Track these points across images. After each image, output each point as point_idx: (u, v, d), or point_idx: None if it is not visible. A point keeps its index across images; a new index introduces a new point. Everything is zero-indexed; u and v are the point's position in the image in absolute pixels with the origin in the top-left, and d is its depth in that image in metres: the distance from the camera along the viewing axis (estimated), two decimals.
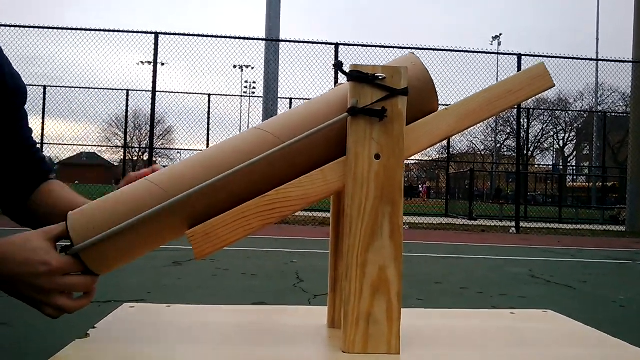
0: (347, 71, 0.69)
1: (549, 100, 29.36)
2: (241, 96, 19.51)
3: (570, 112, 31.25)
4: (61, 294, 0.68)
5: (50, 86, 13.73)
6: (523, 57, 10.11)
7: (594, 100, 28.00)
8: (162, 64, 11.02)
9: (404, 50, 10.32)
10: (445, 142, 16.93)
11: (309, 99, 0.81)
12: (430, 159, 25.97)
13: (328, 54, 10.50)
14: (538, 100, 28.40)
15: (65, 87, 13.53)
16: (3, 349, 2.16)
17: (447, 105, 0.74)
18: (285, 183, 0.70)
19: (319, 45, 10.64)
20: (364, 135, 0.68)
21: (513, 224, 10.69)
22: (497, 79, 14.66)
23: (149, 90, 10.43)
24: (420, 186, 27.02)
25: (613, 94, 29.19)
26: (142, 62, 14.61)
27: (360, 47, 10.64)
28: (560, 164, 34.16)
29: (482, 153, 33.65)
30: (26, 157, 0.96)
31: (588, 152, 33.00)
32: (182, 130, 17.96)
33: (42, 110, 13.58)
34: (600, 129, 20.12)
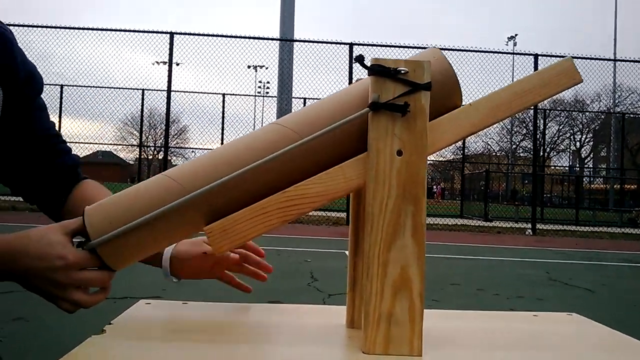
0: (369, 65, 0.67)
1: (565, 101, 29.02)
2: (255, 96, 19.59)
3: (587, 114, 30.86)
4: (77, 289, 0.67)
5: (67, 85, 13.91)
6: (540, 57, 10.00)
7: (611, 101, 27.62)
8: (177, 64, 11.10)
9: (419, 50, 10.27)
10: (460, 143, 16.81)
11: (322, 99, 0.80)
12: (445, 159, 25.85)
13: (342, 54, 10.48)
14: (554, 101, 28.07)
15: (82, 86, 13.70)
16: (19, 343, 2.18)
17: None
18: (304, 179, 0.68)
19: (333, 45, 10.62)
20: (386, 131, 0.66)
21: (529, 225, 10.59)
22: (512, 79, 14.52)
23: (164, 90, 10.52)
24: (434, 187, 26.86)
25: (632, 95, 28.74)
26: (157, 62, 14.72)
27: (374, 47, 10.59)
28: (577, 165, 33.75)
29: (498, 154, 33.37)
30: (46, 149, 0.94)
31: (605, 154, 32.56)
32: (197, 129, 18.10)
33: (59, 109, 13.76)
34: (618, 131, 19.83)
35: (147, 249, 0.69)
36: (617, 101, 27.81)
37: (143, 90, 14.63)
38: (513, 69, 14.24)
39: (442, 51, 0.76)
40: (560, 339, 0.77)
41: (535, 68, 9.86)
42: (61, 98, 13.69)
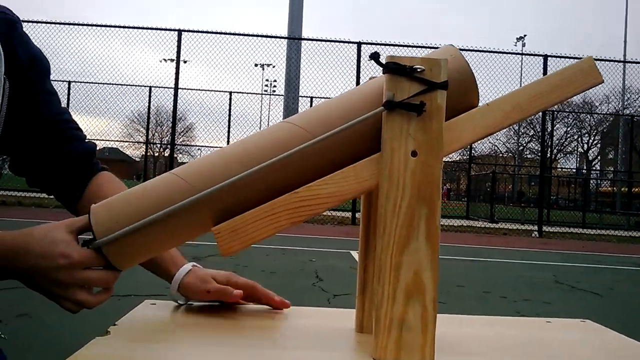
0: (384, 62, 0.65)
1: (573, 103, 28.84)
2: (262, 94, 19.59)
3: (595, 115, 30.66)
4: (81, 289, 0.65)
5: (75, 82, 13.95)
6: (549, 58, 9.93)
7: (620, 103, 27.41)
8: (184, 62, 11.10)
9: (428, 49, 10.23)
10: None
11: (329, 98, 0.78)
12: (451, 160, 25.73)
13: (350, 53, 10.45)
14: (563, 103, 27.88)
15: (89, 82, 13.74)
16: (22, 340, 2.17)
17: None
18: (315, 179, 0.67)
19: (340, 43, 10.59)
20: (400, 131, 0.64)
21: (535, 227, 10.53)
22: (520, 80, 14.45)
23: (171, 87, 10.54)
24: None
25: None
26: (164, 60, 14.75)
27: (383, 46, 10.56)
28: (584, 167, 33.56)
29: (504, 155, 33.24)
30: (54, 135, 0.90)
31: (613, 157, 32.36)
32: (203, 127, 18.12)
33: (67, 106, 13.77)
34: (627, 133, 19.70)
35: (154, 249, 0.68)
36: (626, 103, 27.61)
37: (150, 87, 14.66)
38: (521, 70, 14.16)
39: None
40: (574, 347, 0.75)
41: (545, 69, 9.80)
42: (69, 94, 13.75)
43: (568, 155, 34.37)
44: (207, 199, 0.65)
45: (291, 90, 10.86)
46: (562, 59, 10.13)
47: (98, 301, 0.67)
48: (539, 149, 12.98)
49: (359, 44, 10.28)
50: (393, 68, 0.65)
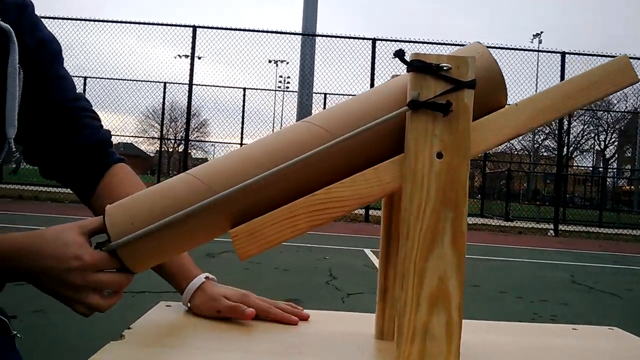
0: (408, 60, 0.63)
1: None
2: (275, 90, 19.58)
3: (613, 113, 30.20)
4: (93, 292, 0.63)
5: (91, 77, 14.08)
6: (567, 55, 9.78)
7: (638, 101, 26.96)
8: (199, 58, 11.12)
9: (442, 46, 10.14)
10: None
11: (343, 95, 0.76)
12: None
13: (365, 50, 10.39)
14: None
15: (105, 78, 13.85)
16: (32, 338, 2.18)
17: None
18: (335, 182, 0.64)
19: (356, 40, 10.54)
20: (425, 132, 0.62)
21: (551, 226, 10.41)
22: (536, 78, 14.27)
23: (185, 83, 10.57)
24: None
25: None
26: (179, 56, 14.80)
27: (398, 43, 10.48)
28: (601, 165, 33.10)
29: (519, 153, 32.90)
30: (65, 123, 0.85)
31: (630, 155, 31.86)
32: (217, 123, 18.16)
33: None
34: None
35: (169, 252, 0.66)
36: None
37: (165, 83, 14.73)
38: (537, 68, 13.97)
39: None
40: (602, 357, 0.71)
41: (562, 67, 9.66)
42: (84, 90, 13.86)
43: (585, 153, 33.92)
44: (225, 201, 0.63)
45: (305, 86, 10.84)
46: (581, 56, 9.97)
47: (109, 304, 0.65)
48: (555, 146, 12.81)
49: (374, 40, 10.22)
50: (418, 66, 0.62)
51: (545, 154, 32.10)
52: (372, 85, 10.25)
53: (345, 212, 0.65)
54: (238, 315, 0.76)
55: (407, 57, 0.63)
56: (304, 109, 10.88)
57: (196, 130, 26.38)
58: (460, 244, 0.61)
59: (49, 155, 0.87)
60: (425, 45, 10.22)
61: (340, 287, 3.54)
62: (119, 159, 0.91)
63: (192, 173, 0.66)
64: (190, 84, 10.34)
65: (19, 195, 10.57)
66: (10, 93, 0.75)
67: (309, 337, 0.73)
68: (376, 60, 10.20)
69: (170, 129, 29.11)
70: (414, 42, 10.29)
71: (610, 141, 34.00)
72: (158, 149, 20.14)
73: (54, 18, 10.55)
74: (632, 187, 21.03)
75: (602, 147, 33.91)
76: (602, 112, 29.70)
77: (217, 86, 15.24)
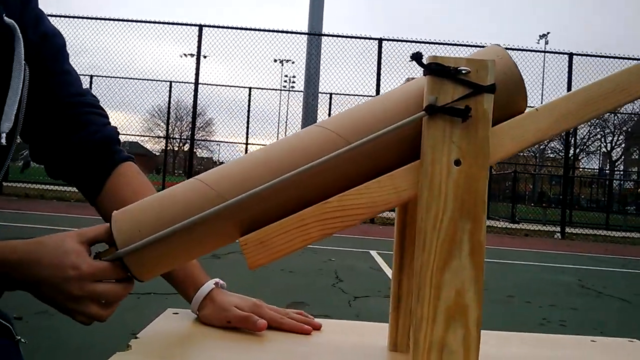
0: (425, 63, 0.60)
1: None
2: (281, 90, 19.56)
3: (619, 115, 30.01)
4: (92, 301, 0.62)
5: (97, 76, 14.09)
6: (575, 56, 9.71)
7: None
8: (204, 57, 11.12)
9: (449, 46, 10.09)
10: None
11: (349, 95, 0.73)
12: None
13: (371, 49, 10.36)
14: None
15: (111, 77, 13.86)
16: (40, 338, 2.17)
17: None
18: (348, 188, 0.62)
19: (362, 40, 10.51)
20: (443, 138, 0.59)
21: (557, 228, 10.35)
22: (542, 79, 14.19)
23: (191, 83, 10.56)
24: None
25: None
26: (185, 55, 14.82)
27: (404, 43, 10.44)
28: (607, 168, 32.91)
29: (525, 154, 32.77)
30: (68, 119, 0.82)
31: (637, 157, 31.67)
32: (222, 122, 18.15)
33: None
34: None
35: (177, 260, 0.64)
36: None
37: (171, 82, 14.75)
38: (544, 69, 13.90)
39: (472, 47, 0.69)
40: None
41: (570, 68, 9.58)
42: (90, 89, 13.86)
43: (590, 155, 33.72)
44: (235, 208, 0.60)
45: (311, 86, 10.82)
46: (589, 58, 9.90)
47: (109, 314, 0.64)
48: (561, 148, 12.74)
49: (380, 40, 10.18)
50: (436, 69, 0.59)
51: (551, 155, 31.94)
52: (378, 85, 10.22)
53: (359, 221, 0.62)
54: (250, 327, 0.74)
55: (425, 60, 0.61)
56: (309, 109, 10.87)
57: (201, 129, 26.44)
58: (479, 255, 0.59)
59: (54, 153, 0.85)
60: (431, 45, 10.18)
61: (347, 289, 3.52)
62: (126, 157, 0.88)
63: (201, 179, 0.63)
64: (196, 83, 10.34)
65: (25, 194, 10.60)
66: (13, 89, 0.72)
67: (320, 348, 0.71)
68: (382, 60, 10.16)
69: (176, 128, 29.18)
70: (421, 42, 10.25)
71: (617, 143, 33.79)
72: (164, 147, 20.18)
73: (60, 16, 10.57)
74: (639, 189, 20.89)
75: (609, 149, 33.71)
76: (608, 114, 29.54)
77: (223, 85, 15.24)
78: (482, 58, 0.61)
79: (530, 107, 0.66)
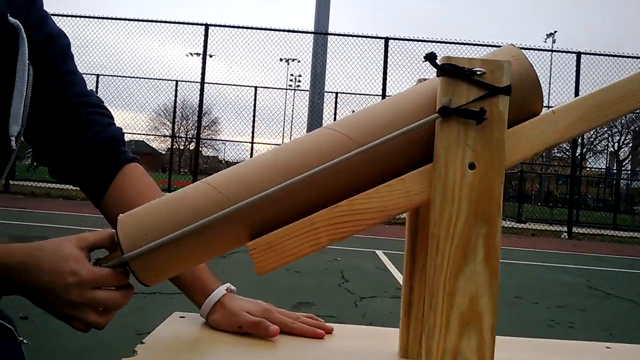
0: (439, 63, 0.59)
1: None
2: (286, 89, 19.56)
3: (627, 114, 29.78)
4: (90, 308, 0.61)
5: (103, 75, 14.13)
6: (583, 55, 9.64)
7: None
8: (210, 56, 11.12)
9: (456, 45, 10.05)
10: None
11: (355, 94, 0.72)
12: None
13: (376, 49, 10.33)
14: None
15: (117, 76, 13.89)
16: (44, 338, 2.17)
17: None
18: (358, 192, 0.61)
19: (369, 39, 10.48)
20: (457, 141, 0.58)
21: (564, 228, 10.29)
22: (549, 79, 14.11)
23: (197, 82, 10.57)
24: None
25: None
26: (190, 54, 14.84)
27: (410, 42, 10.41)
28: (614, 167, 32.72)
29: None
30: (71, 119, 0.81)
31: None
32: (228, 121, 18.16)
33: None
34: None
35: (184, 265, 0.63)
36: None
37: (177, 81, 14.77)
38: (551, 68, 13.81)
39: (478, 47, 0.67)
40: None
41: (578, 67, 9.51)
42: (97, 88, 13.93)
43: (598, 154, 33.53)
44: (245, 211, 0.59)
45: (316, 85, 10.81)
46: (597, 57, 9.82)
47: (107, 321, 0.63)
48: (568, 147, 12.67)
49: (387, 39, 10.15)
50: (450, 70, 0.58)
51: (558, 155, 31.79)
52: (384, 84, 10.19)
53: (369, 225, 0.61)
54: (261, 332, 0.72)
55: (438, 61, 0.59)
56: (315, 108, 10.85)
57: (207, 128, 26.48)
58: (493, 261, 0.57)
59: (58, 154, 0.83)
60: (438, 44, 10.13)
61: (353, 290, 3.50)
62: (131, 158, 0.86)
63: (208, 182, 0.62)
64: (202, 82, 10.34)
65: (31, 192, 10.65)
66: (18, 90, 0.72)
67: (330, 354, 0.69)
68: (388, 60, 10.13)
69: (182, 127, 29.26)
70: (428, 41, 10.20)
71: (625, 142, 33.59)
72: (169, 146, 20.23)
73: (66, 15, 10.60)
74: None
75: (617, 148, 33.52)
76: None
77: (229, 84, 15.24)
78: (498, 59, 0.59)
79: (546, 107, 0.65)
